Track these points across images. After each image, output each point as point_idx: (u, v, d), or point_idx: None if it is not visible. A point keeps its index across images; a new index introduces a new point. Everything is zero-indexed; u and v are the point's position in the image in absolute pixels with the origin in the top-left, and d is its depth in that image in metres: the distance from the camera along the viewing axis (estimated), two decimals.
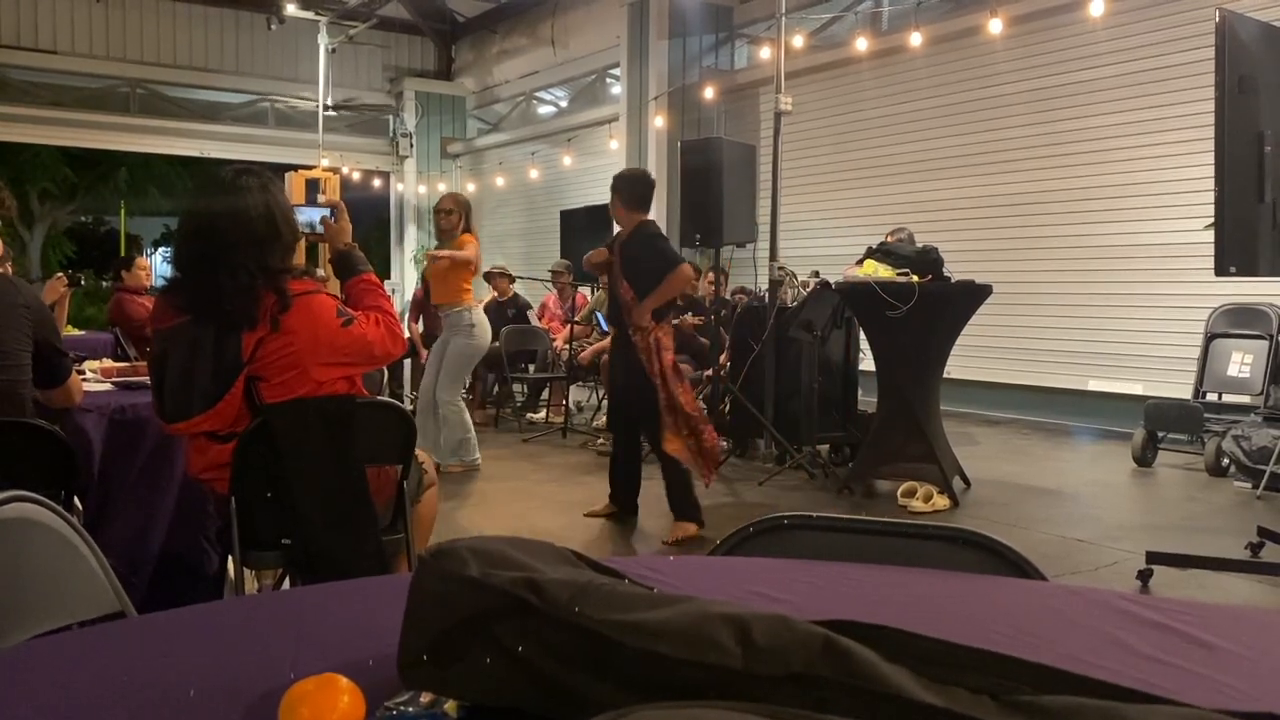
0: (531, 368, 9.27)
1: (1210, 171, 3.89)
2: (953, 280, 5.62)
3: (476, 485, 5.90)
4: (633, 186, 5.19)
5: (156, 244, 26.77)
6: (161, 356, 2.48)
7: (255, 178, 2.52)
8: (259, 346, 2.40)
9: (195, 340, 2.42)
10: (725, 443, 5.95)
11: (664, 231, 9.27)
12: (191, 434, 2.52)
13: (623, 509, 5.10)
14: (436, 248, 6.22)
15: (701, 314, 7.97)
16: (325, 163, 12.36)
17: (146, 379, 2.88)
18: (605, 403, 8.22)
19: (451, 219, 6.00)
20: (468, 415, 6.29)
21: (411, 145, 15.47)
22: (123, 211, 20.87)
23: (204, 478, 2.57)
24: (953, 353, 5.79)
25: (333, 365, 2.50)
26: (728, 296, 7.86)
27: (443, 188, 15.56)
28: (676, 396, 4.73)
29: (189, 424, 2.46)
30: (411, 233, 15.76)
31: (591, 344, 8.48)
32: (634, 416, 4.95)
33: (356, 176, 14.76)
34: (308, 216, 2.89)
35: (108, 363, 4.05)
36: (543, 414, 8.91)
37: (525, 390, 9.28)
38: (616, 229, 5.35)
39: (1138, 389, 7.58)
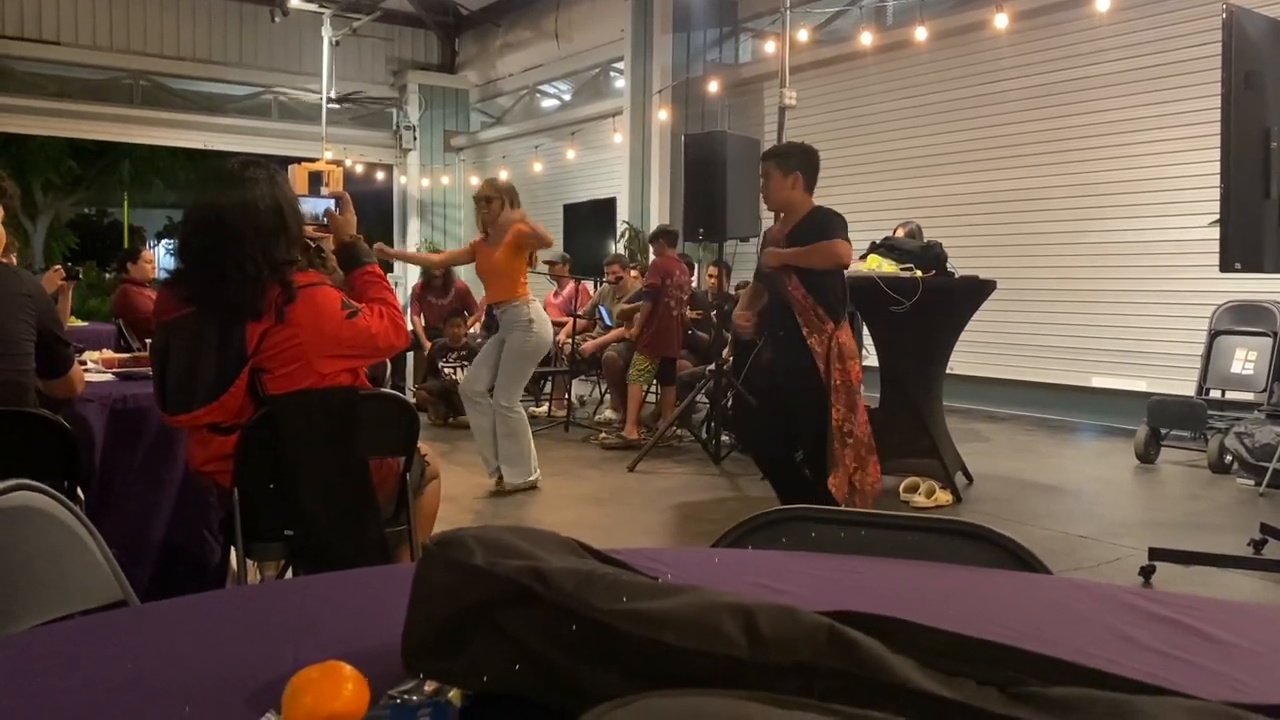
0: None
1: (1216, 167, 3.88)
2: (956, 275, 5.61)
3: (478, 479, 5.89)
4: (808, 161, 4.35)
5: (159, 236, 26.76)
6: (164, 349, 2.48)
7: (262, 170, 2.52)
8: (264, 338, 2.40)
9: (199, 332, 2.42)
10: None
11: (673, 226, 9.27)
12: (193, 427, 2.51)
13: None
14: (484, 239, 5.55)
15: (701, 308, 7.97)
16: (328, 155, 12.35)
17: (148, 369, 2.87)
18: (609, 396, 8.25)
19: (493, 207, 5.49)
20: (524, 422, 5.67)
21: (415, 138, 15.46)
22: (125, 203, 20.88)
23: (205, 470, 2.57)
24: (956, 348, 5.78)
25: (336, 357, 2.50)
26: (731, 291, 7.86)
27: (445, 180, 15.57)
28: (853, 418, 4.14)
29: (192, 416, 2.45)
30: (414, 226, 15.74)
31: (594, 337, 8.48)
32: (794, 435, 4.24)
33: (359, 169, 14.74)
34: (312, 208, 2.89)
35: (108, 353, 4.05)
36: (545, 408, 8.92)
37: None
38: (766, 219, 4.69)
39: (1141, 385, 7.57)
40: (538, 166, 13.55)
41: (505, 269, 5.44)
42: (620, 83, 12.78)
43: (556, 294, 9.37)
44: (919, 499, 5.26)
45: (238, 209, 2.42)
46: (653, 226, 9.57)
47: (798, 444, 4.22)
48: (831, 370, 4.10)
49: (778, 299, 4.25)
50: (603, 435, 7.39)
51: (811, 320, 4.12)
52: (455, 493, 5.28)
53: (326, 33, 12.70)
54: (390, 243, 16.05)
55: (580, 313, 8.74)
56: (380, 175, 15.73)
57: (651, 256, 9.41)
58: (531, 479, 5.59)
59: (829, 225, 4.21)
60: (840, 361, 4.12)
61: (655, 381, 7.42)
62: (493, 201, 5.50)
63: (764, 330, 4.47)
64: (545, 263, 9.45)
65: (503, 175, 14.47)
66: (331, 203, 2.87)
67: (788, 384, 4.22)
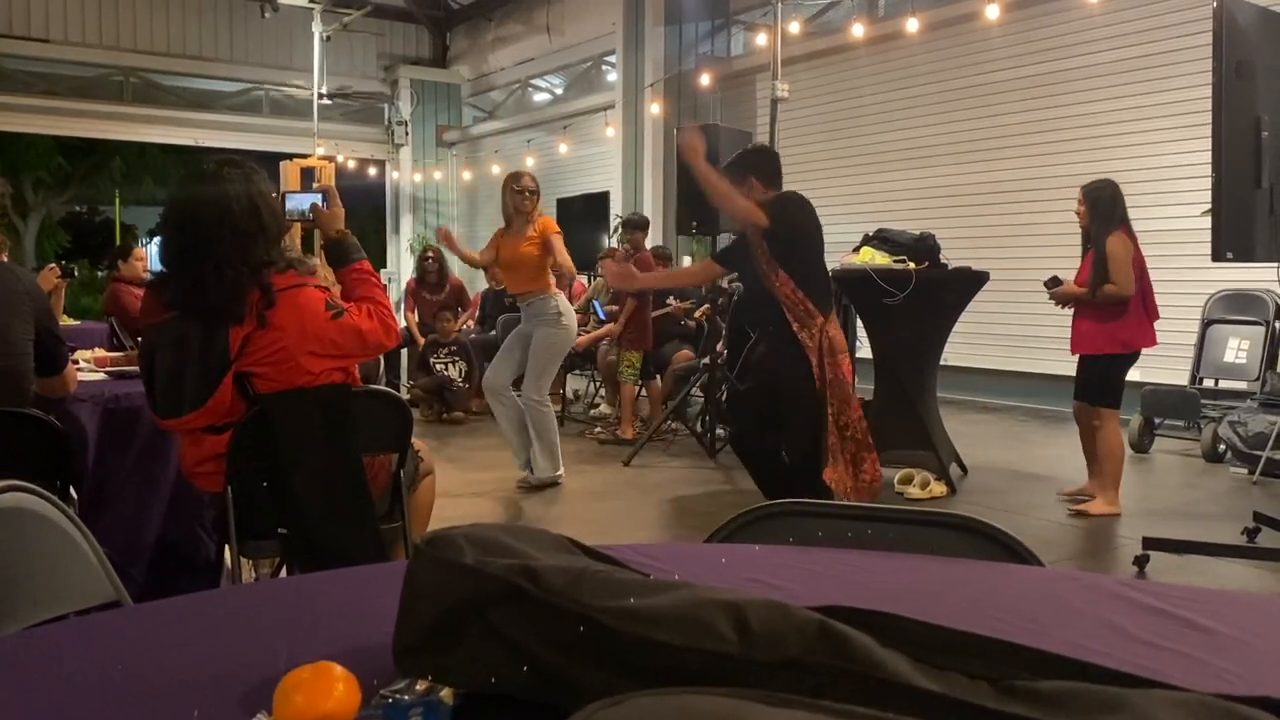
0: None
1: (1207, 157, 3.89)
2: (949, 267, 5.62)
3: (473, 474, 5.90)
4: (769, 162, 4.39)
5: (151, 233, 26.70)
6: (150, 352, 2.46)
7: (238, 169, 2.47)
8: (247, 343, 2.37)
9: (182, 337, 2.39)
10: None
11: (662, 221, 9.20)
12: (185, 430, 2.50)
13: None
14: (506, 231, 5.51)
15: (691, 299, 7.96)
16: (320, 151, 12.32)
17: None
18: (604, 391, 8.25)
19: (535, 200, 5.49)
20: (553, 417, 5.68)
21: (407, 133, 15.43)
22: (117, 201, 20.80)
23: (198, 471, 2.55)
24: (950, 340, 5.79)
25: (325, 357, 2.48)
26: (724, 284, 7.85)
27: (438, 175, 15.54)
28: (848, 412, 4.04)
29: (181, 420, 2.44)
30: (407, 221, 15.72)
31: (588, 331, 8.47)
32: (784, 432, 4.08)
33: (352, 165, 14.71)
34: (298, 203, 2.85)
35: (100, 352, 4.04)
36: None
37: None
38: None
39: (1134, 375, 7.56)
40: (530, 161, 13.51)
41: (534, 261, 5.40)
42: (612, 76, 12.76)
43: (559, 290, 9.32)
44: (913, 490, 5.27)
45: (212, 210, 2.38)
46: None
47: (785, 440, 4.06)
48: (824, 365, 3.98)
49: (764, 296, 4.11)
50: (598, 430, 7.39)
51: (801, 315, 3.99)
52: (449, 488, 5.28)
53: (317, 28, 12.66)
54: (383, 238, 16.09)
55: (575, 307, 8.72)
56: (372, 171, 15.70)
57: (613, 243, 9.38)
58: (558, 474, 5.56)
59: (775, 203, 4.10)
60: (831, 356, 4.00)
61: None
62: (535, 194, 5.52)
63: (751, 328, 4.33)
64: None
65: (466, 176, 14.51)
66: (319, 197, 2.82)
67: (781, 380, 4.07)
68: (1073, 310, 5.10)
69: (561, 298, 5.55)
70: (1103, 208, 4.98)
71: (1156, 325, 4.84)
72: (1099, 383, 5.02)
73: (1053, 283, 5.10)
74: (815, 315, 3.99)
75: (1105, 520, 4.85)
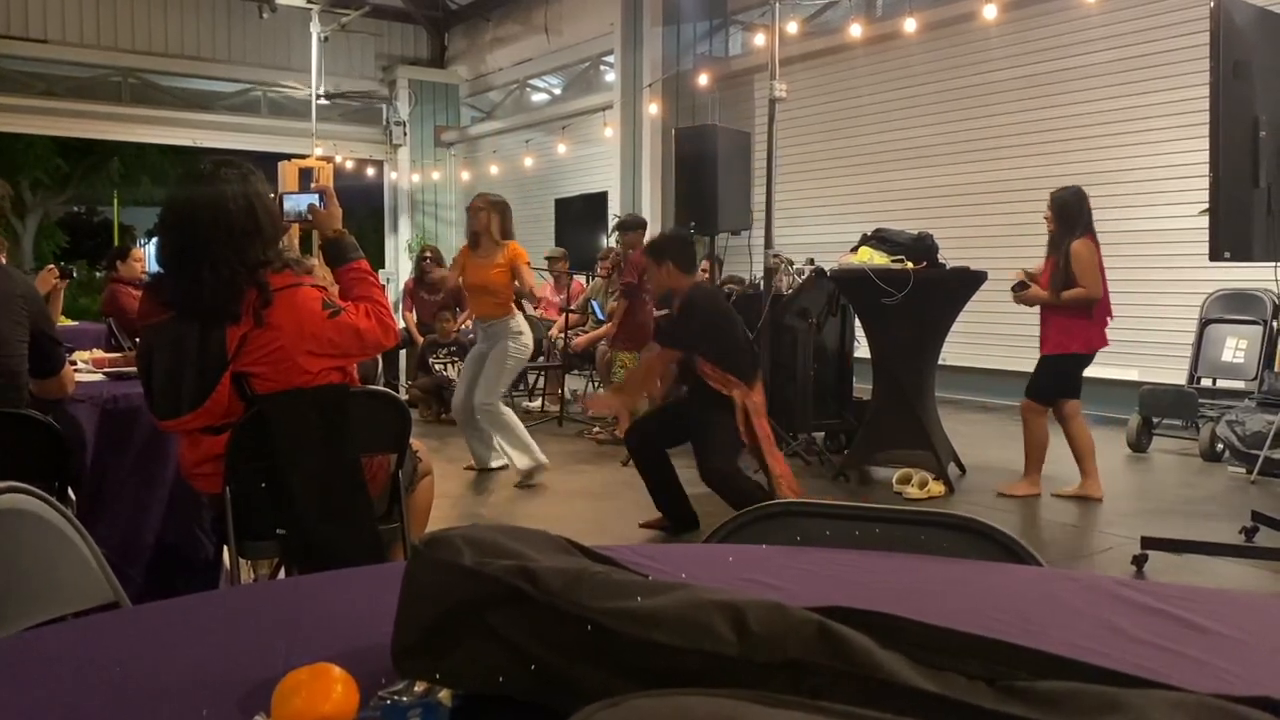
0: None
1: (1205, 157, 3.89)
2: (947, 266, 5.62)
3: (472, 475, 5.90)
4: (685, 248, 4.79)
5: (149, 234, 26.68)
6: (148, 353, 2.46)
7: (235, 169, 2.47)
8: (244, 342, 2.38)
9: (180, 337, 2.39)
10: None
11: (660, 221, 9.16)
12: (184, 431, 2.50)
13: (681, 527, 4.64)
14: (469, 250, 5.68)
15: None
16: (318, 151, 12.31)
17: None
18: (602, 391, 8.24)
19: (481, 218, 5.59)
20: (510, 413, 5.75)
21: (405, 134, 15.43)
22: (116, 201, 20.79)
23: (196, 473, 2.55)
24: (948, 339, 5.79)
25: (322, 356, 2.47)
26: (728, 287, 7.84)
27: (436, 176, 15.53)
28: (774, 465, 4.45)
29: (179, 422, 2.44)
30: (405, 221, 15.72)
31: (585, 332, 8.47)
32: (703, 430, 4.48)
33: (350, 165, 14.71)
34: (295, 204, 2.85)
35: (98, 353, 4.04)
36: (538, 403, 8.91)
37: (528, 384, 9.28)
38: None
39: (1133, 375, 7.59)
40: (529, 161, 13.53)
41: (499, 288, 5.60)
42: (610, 76, 12.76)
43: (558, 291, 9.31)
44: (912, 490, 5.27)
45: (209, 211, 2.38)
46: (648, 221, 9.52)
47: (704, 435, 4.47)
48: (752, 424, 4.36)
49: (691, 375, 4.53)
50: (596, 430, 7.39)
51: (722, 385, 4.38)
52: (448, 489, 5.28)
53: (315, 28, 12.65)
54: (382, 239, 16.08)
55: (572, 307, 8.72)
56: (371, 171, 15.69)
57: (611, 243, 9.38)
58: (538, 462, 5.66)
59: (684, 307, 4.57)
60: (757, 416, 4.39)
61: None
62: (481, 212, 5.65)
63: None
64: (545, 258, 9.42)
65: (464, 176, 14.57)
66: (316, 198, 2.82)
67: (702, 415, 4.45)
68: (1040, 313, 5.28)
69: (520, 318, 5.78)
70: (1069, 212, 5.16)
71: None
72: (1050, 381, 5.20)
73: (1019, 287, 5.20)
74: (737, 384, 4.37)
75: (1103, 520, 4.86)
